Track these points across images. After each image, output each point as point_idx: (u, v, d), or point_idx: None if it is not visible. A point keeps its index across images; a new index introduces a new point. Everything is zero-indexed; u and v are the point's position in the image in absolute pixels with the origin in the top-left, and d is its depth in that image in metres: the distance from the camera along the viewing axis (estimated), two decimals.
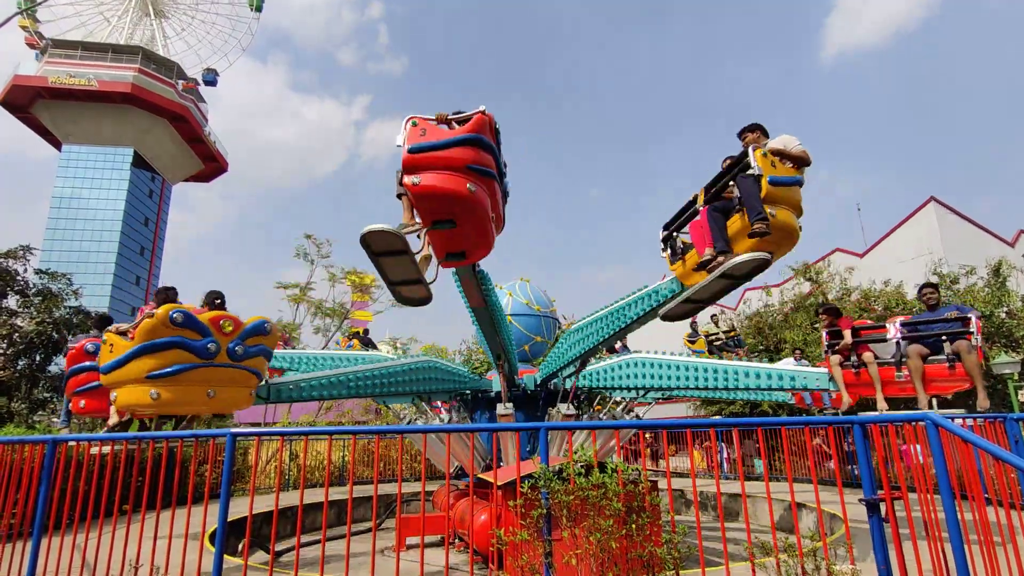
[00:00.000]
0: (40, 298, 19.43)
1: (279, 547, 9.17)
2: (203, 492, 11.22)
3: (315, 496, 11.97)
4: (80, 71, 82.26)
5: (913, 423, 2.83)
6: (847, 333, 6.27)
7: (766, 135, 5.28)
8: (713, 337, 16.29)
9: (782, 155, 4.89)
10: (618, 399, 10.25)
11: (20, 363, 19.19)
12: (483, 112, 4.40)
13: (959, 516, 2.48)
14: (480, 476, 7.29)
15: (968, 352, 5.00)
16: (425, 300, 5.11)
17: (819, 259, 23.74)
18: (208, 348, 4.93)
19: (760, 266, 4.82)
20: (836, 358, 6.28)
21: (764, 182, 4.69)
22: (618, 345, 10.96)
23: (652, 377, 7.96)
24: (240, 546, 8.13)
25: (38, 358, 19.54)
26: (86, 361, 6.27)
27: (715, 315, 18.53)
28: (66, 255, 79.42)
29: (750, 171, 4.76)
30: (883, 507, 2.87)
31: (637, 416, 10.38)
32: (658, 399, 11.83)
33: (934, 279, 18.05)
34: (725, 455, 21.79)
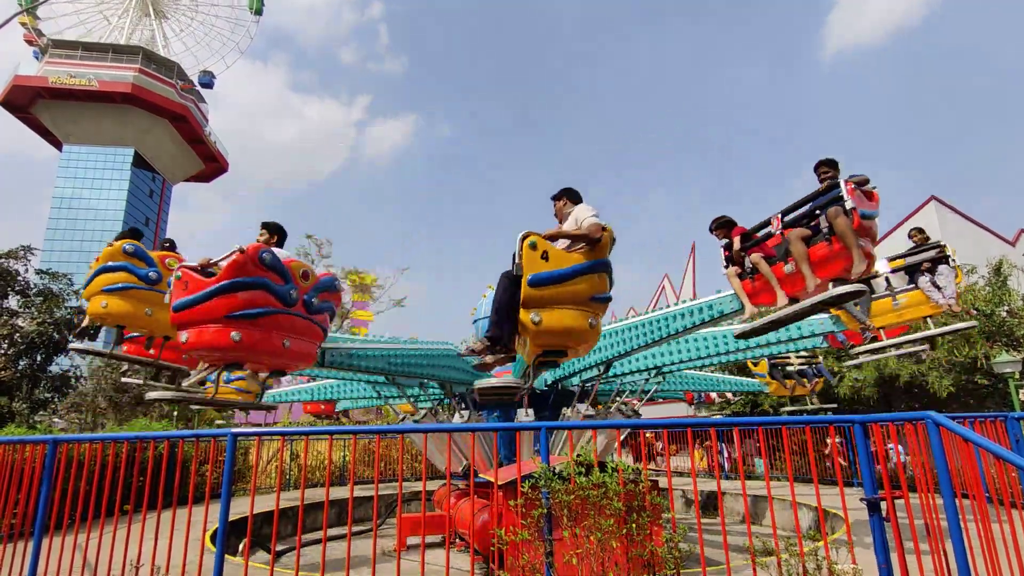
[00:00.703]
0: (41, 298, 19.44)
1: (279, 547, 9.18)
2: (204, 492, 11.23)
3: (316, 496, 11.98)
4: (80, 71, 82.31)
5: (914, 422, 2.82)
6: (736, 240, 5.85)
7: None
8: (780, 361, 13.47)
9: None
10: (618, 396, 10.25)
11: (21, 363, 19.21)
12: (240, 251, 4.28)
13: (960, 515, 2.47)
14: (481, 476, 7.30)
15: (836, 216, 4.80)
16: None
17: None
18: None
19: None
20: (733, 270, 5.93)
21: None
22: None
23: (617, 345, 7.83)
24: (240, 546, 8.13)
25: (39, 358, 19.57)
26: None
27: None
28: (67, 255, 79.46)
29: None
30: (884, 506, 2.88)
31: (638, 414, 10.35)
32: (658, 398, 11.77)
33: None
34: (726, 455, 21.79)
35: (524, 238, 4.17)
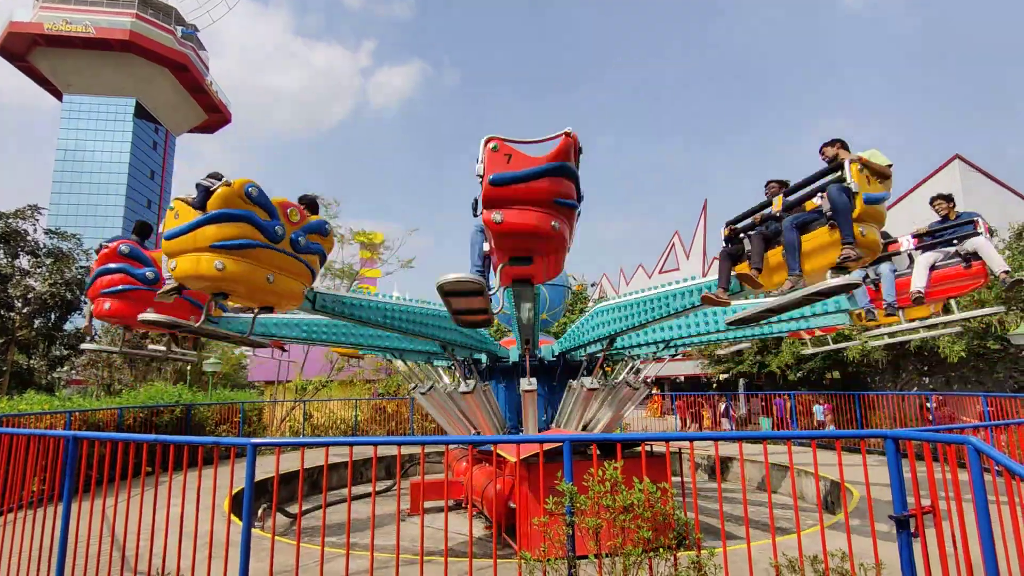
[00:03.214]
0: (51, 259, 19.51)
1: (294, 509, 9.44)
2: (221, 453, 11.51)
3: (331, 456, 12.23)
4: (76, 17, 79.97)
5: (954, 445, 2.74)
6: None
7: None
8: None
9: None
10: (627, 362, 10.22)
11: (36, 322, 19.49)
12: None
13: (994, 544, 2.42)
14: (499, 453, 7.38)
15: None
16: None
17: None
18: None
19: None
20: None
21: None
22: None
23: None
24: (259, 512, 8.37)
25: (53, 317, 19.83)
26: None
27: None
28: (73, 208, 79.52)
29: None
30: (913, 523, 2.84)
31: (648, 385, 10.33)
32: (669, 356, 11.63)
33: None
34: (731, 414, 22.02)
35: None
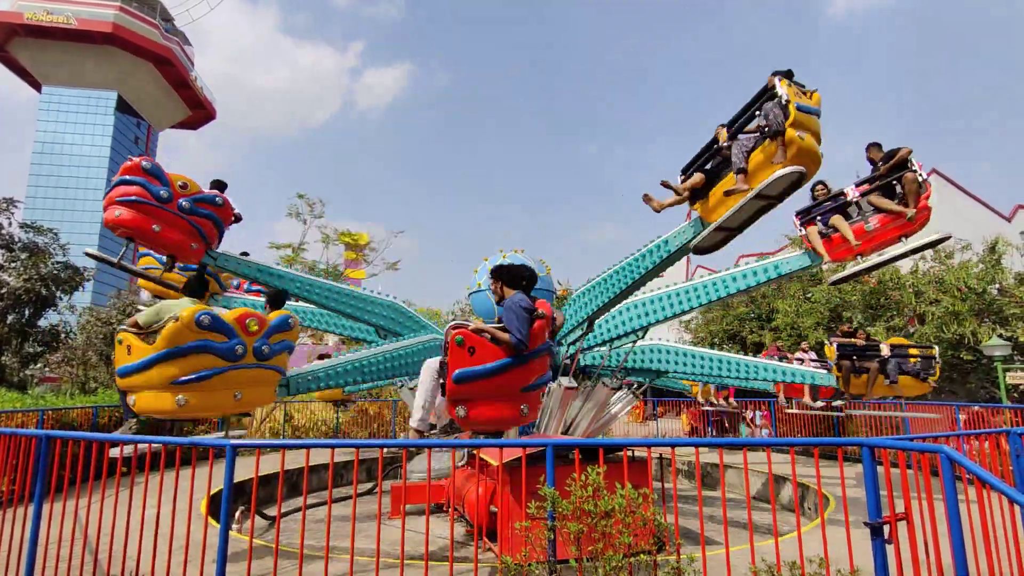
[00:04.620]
0: (26, 254, 19.06)
1: (269, 511, 9.32)
2: (199, 454, 11.31)
3: (312, 458, 12.07)
4: (57, 7, 78.42)
5: (928, 454, 2.81)
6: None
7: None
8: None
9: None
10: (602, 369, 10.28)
11: (9, 318, 19.00)
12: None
13: (965, 549, 2.48)
14: (483, 457, 7.36)
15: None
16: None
17: None
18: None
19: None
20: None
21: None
22: None
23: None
24: (237, 514, 8.24)
25: (27, 313, 19.36)
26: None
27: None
28: (51, 203, 77.79)
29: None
30: (887, 530, 2.89)
31: (632, 390, 10.39)
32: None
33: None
34: (712, 419, 21.97)
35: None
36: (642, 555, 3.22)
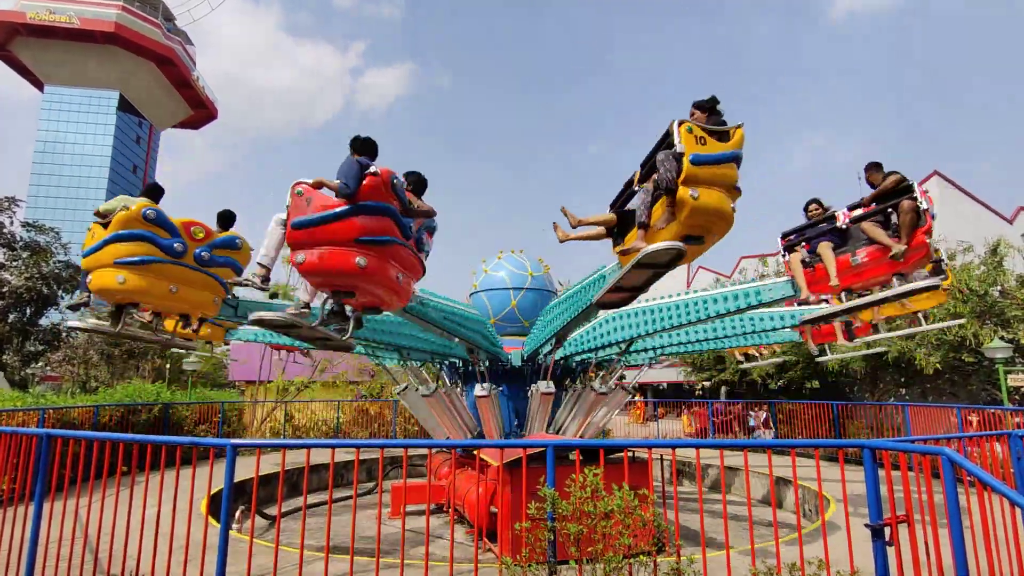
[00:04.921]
0: (28, 253, 19.09)
1: (270, 510, 9.32)
2: (200, 453, 11.31)
3: (312, 458, 12.09)
4: (60, 7, 78.56)
5: (929, 456, 2.80)
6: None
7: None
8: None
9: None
10: (607, 367, 10.28)
11: (11, 317, 19.03)
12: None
13: (965, 551, 2.48)
14: (483, 457, 7.37)
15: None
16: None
17: None
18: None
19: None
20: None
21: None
22: None
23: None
24: (237, 513, 8.25)
25: (28, 312, 19.38)
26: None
27: None
28: (53, 202, 77.94)
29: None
30: (888, 532, 2.89)
31: (625, 388, 10.41)
32: (650, 362, 11.72)
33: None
34: (714, 420, 21.97)
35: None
36: (642, 556, 3.22)
